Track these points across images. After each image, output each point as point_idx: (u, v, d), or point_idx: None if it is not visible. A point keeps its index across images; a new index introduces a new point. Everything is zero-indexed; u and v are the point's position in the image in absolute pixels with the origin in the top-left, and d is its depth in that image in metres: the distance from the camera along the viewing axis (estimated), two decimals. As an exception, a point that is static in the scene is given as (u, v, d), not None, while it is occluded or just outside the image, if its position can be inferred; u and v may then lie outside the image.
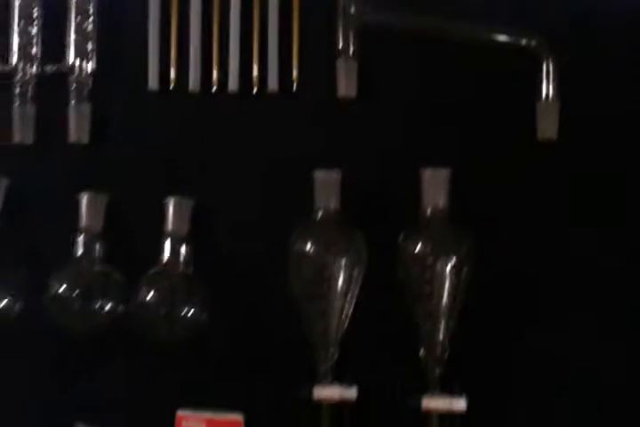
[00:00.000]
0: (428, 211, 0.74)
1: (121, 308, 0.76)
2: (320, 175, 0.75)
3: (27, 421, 0.77)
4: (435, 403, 0.72)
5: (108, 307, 0.76)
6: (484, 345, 0.75)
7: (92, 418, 0.75)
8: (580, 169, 0.77)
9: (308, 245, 0.74)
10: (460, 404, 0.72)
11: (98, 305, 0.75)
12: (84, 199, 0.78)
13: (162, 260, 0.77)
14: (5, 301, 0.76)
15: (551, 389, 0.75)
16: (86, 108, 0.80)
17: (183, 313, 0.75)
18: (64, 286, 0.75)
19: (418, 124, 0.79)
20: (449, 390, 0.72)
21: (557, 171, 0.77)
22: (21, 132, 0.80)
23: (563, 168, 0.77)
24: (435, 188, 0.74)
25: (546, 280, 0.76)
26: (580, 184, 0.77)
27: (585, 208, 0.77)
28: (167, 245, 0.77)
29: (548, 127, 0.76)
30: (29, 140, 0.81)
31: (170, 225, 0.77)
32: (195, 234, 0.77)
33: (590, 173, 0.77)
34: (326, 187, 0.75)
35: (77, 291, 0.75)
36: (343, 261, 0.73)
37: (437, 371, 0.73)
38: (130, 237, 0.80)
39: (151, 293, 0.75)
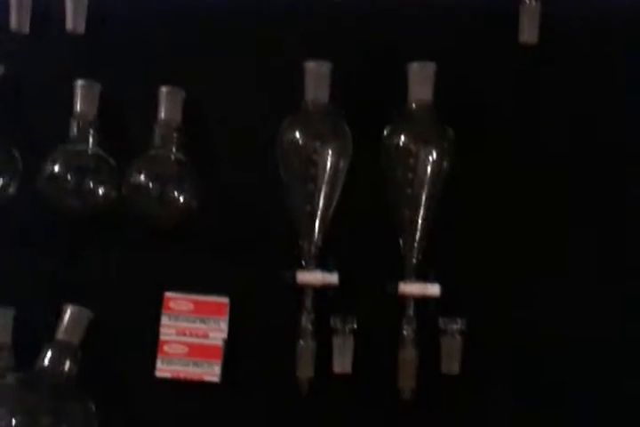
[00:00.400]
0: (413, 105, 0.77)
1: (114, 191, 0.78)
2: (310, 66, 0.77)
3: (20, 299, 0.79)
4: (410, 288, 0.76)
5: (101, 189, 0.78)
6: (461, 235, 0.78)
7: (83, 298, 0.78)
8: (560, 72, 0.80)
9: (297, 134, 0.76)
10: (433, 289, 0.76)
11: (91, 186, 0.77)
12: (79, 87, 0.80)
13: (154, 146, 0.79)
14: (1, 181, 0.78)
15: (526, 277, 0.78)
16: (84, -2, 0.82)
17: (174, 196, 0.77)
18: (58, 166, 0.77)
19: (406, 22, 0.81)
20: (424, 276, 0.76)
21: (537, 73, 0.80)
22: (18, 20, 0.82)
23: (542, 71, 0.80)
24: (420, 82, 0.76)
25: (525, 174, 0.79)
26: (559, 85, 0.80)
27: (563, 108, 0.80)
28: (159, 132, 0.79)
29: (529, 31, 0.78)
30: (26, 28, 0.82)
31: (162, 113, 0.79)
32: (187, 124, 0.80)
33: (569, 75, 0.80)
34: (316, 78, 0.77)
35: (71, 171, 0.77)
36: (330, 149, 0.76)
37: (414, 258, 0.76)
38: (124, 125, 0.82)
39: (143, 176, 0.77)
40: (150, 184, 0.77)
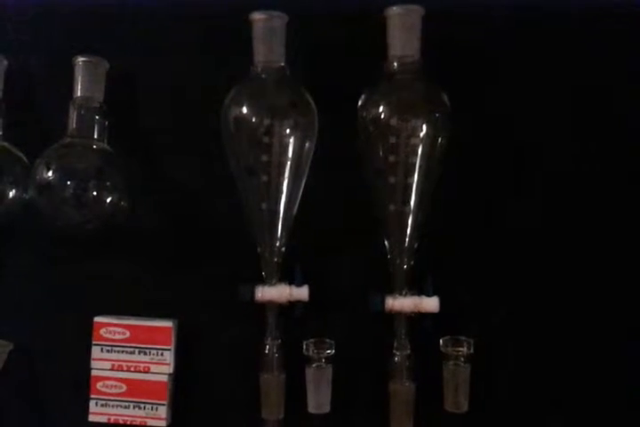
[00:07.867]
0: (395, 64, 0.59)
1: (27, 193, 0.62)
2: (259, 19, 0.59)
3: None
4: (401, 303, 0.59)
5: (11, 193, 0.63)
6: (464, 233, 0.61)
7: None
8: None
9: (244, 109, 0.59)
10: (431, 303, 0.59)
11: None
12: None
13: (69, 133, 0.62)
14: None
15: (549, 283, 0.62)
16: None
17: (95, 197, 0.61)
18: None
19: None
20: (419, 288, 0.59)
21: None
22: None
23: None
24: (404, 33, 0.58)
25: (536, 153, 0.62)
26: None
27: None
28: (75, 113, 0.62)
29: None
30: None
31: (79, 90, 0.62)
32: (112, 103, 0.63)
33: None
34: (268, 33, 0.59)
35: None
36: (288, 127, 0.58)
37: (405, 264, 0.59)
38: (32, 107, 0.65)
39: (53, 171, 0.60)
40: (63, 182, 0.60)
